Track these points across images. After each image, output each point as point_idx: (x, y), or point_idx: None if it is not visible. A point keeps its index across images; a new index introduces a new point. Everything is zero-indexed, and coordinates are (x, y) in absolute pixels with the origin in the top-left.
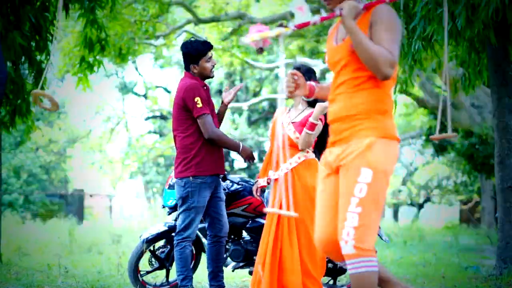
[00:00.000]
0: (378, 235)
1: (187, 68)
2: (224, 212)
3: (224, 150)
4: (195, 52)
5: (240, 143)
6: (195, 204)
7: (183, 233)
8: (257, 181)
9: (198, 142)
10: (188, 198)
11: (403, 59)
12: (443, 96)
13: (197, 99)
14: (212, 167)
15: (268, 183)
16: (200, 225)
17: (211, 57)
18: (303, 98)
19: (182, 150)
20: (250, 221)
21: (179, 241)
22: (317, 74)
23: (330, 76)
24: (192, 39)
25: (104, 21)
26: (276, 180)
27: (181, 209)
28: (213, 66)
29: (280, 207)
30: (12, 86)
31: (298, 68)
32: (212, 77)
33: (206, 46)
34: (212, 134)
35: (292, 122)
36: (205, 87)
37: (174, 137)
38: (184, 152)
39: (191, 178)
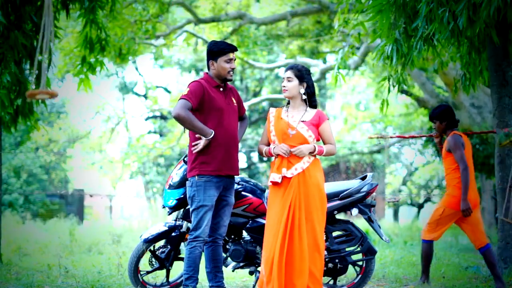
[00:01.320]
0: (378, 234)
1: (207, 66)
2: (227, 217)
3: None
4: (217, 49)
5: (212, 132)
6: (202, 202)
7: (194, 233)
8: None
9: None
10: (194, 197)
11: (400, 58)
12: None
13: (187, 90)
14: (217, 166)
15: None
16: None
17: (232, 59)
18: (302, 99)
19: (189, 151)
20: (251, 221)
21: (190, 240)
22: (317, 74)
23: (330, 76)
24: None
25: (104, 21)
26: (287, 178)
27: (191, 209)
28: (232, 70)
29: (290, 206)
30: (16, 86)
31: (294, 68)
32: (229, 80)
33: (229, 47)
34: (175, 113)
35: (302, 121)
36: (221, 88)
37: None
38: (190, 152)
39: (196, 177)
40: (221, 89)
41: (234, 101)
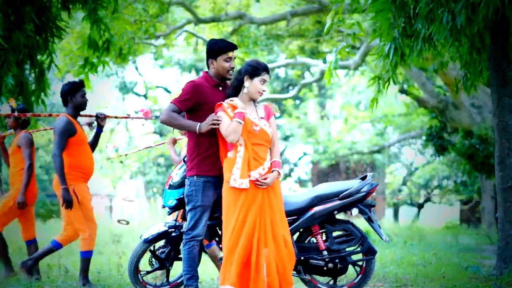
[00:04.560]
0: (378, 234)
1: (207, 65)
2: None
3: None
4: (216, 47)
5: (198, 123)
6: (200, 203)
7: (191, 232)
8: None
9: (199, 141)
10: (192, 196)
11: (398, 57)
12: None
13: (180, 92)
14: (215, 167)
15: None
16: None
17: (231, 58)
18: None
19: (188, 150)
20: None
21: (187, 240)
22: (317, 74)
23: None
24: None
25: (107, 21)
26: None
27: (188, 208)
28: (232, 69)
29: (261, 208)
30: (17, 87)
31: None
32: (228, 78)
33: (229, 45)
34: (162, 119)
35: (261, 118)
36: (220, 87)
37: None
38: (189, 152)
39: (195, 177)
40: (220, 88)
41: None
